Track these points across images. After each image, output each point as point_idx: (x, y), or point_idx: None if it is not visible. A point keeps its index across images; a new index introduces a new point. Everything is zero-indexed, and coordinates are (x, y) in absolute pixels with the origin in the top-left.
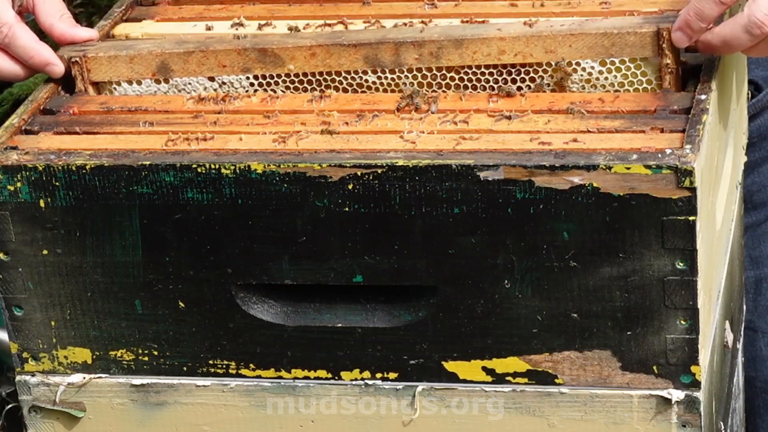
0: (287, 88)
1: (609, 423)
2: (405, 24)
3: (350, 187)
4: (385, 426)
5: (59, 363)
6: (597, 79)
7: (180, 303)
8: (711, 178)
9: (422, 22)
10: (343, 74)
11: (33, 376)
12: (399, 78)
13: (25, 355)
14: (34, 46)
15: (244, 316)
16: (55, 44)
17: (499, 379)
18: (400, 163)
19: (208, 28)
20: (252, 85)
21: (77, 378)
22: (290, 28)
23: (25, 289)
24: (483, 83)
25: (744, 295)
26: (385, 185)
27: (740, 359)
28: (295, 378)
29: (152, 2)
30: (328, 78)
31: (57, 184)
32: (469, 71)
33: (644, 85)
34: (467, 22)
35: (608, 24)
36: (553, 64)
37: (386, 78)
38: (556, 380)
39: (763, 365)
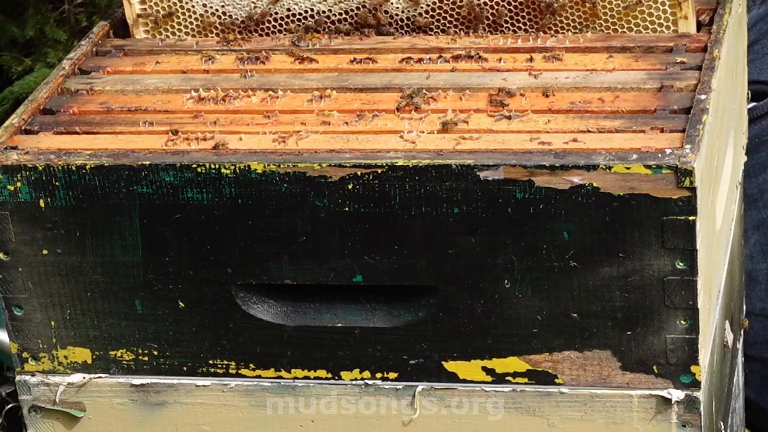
0: None
1: (609, 423)
2: None
3: (350, 187)
4: (385, 426)
5: (59, 363)
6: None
7: (180, 303)
8: (711, 178)
9: None
10: None
11: (33, 376)
12: None
13: (25, 355)
14: None
15: (244, 316)
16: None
17: (499, 379)
18: (400, 163)
19: None
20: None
21: (77, 378)
22: None
23: (25, 289)
24: None
25: (754, 287)
26: (385, 185)
27: (740, 359)
28: (295, 378)
29: None
30: None
31: (57, 184)
32: None
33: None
34: None
35: (612, 78)
36: None
37: None
38: (556, 380)
39: None
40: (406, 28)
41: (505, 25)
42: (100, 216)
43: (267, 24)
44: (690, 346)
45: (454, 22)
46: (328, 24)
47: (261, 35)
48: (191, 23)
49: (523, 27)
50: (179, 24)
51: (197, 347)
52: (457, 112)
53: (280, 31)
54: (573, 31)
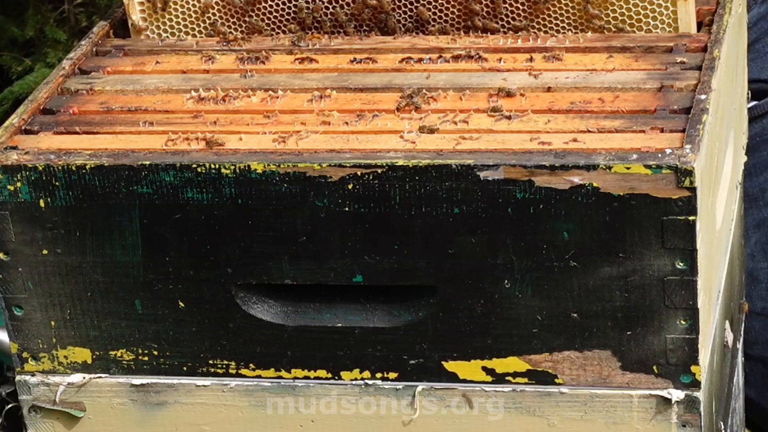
0: None
1: (609, 423)
2: None
3: (350, 187)
4: (385, 426)
5: (59, 363)
6: None
7: (180, 303)
8: (711, 178)
9: None
10: None
11: (33, 376)
12: None
13: (25, 355)
14: None
15: (244, 316)
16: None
17: (499, 379)
18: (400, 163)
19: None
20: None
21: (77, 378)
22: None
23: (25, 289)
24: None
25: (755, 286)
26: (385, 185)
27: (740, 359)
28: (295, 378)
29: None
30: None
31: (57, 184)
32: None
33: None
34: None
35: (612, 78)
36: None
37: None
38: (556, 380)
39: None
40: (404, 9)
41: (502, 6)
42: (100, 216)
43: (264, 4)
44: (690, 346)
45: (452, 2)
46: (325, 4)
47: (258, 17)
48: (188, 2)
49: (518, 10)
50: (175, 5)
51: (197, 347)
52: (456, 112)
53: (278, 13)
54: (571, 18)
